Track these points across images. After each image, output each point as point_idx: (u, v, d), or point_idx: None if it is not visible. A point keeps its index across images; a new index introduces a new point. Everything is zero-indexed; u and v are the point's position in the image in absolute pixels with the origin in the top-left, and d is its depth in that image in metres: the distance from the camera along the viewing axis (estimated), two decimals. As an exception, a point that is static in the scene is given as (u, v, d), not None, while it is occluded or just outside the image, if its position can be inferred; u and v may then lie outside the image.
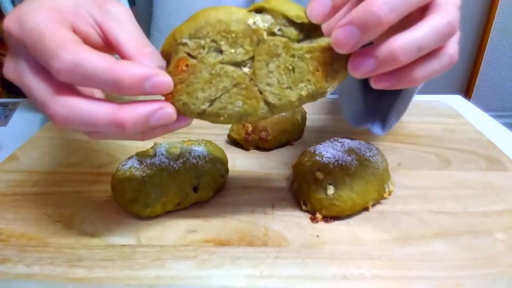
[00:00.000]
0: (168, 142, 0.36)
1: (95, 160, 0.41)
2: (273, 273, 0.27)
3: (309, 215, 0.33)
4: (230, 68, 0.24)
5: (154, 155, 0.34)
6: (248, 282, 0.26)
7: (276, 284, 0.26)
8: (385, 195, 0.34)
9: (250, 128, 0.43)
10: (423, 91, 0.62)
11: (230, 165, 0.38)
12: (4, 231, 0.31)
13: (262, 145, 0.44)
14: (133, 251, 0.29)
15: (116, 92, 0.22)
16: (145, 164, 0.33)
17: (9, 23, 0.23)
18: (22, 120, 0.53)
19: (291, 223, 0.32)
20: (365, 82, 0.44)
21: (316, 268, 0.28)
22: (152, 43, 0.25)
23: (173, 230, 0.31)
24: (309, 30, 0.24)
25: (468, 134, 0.48)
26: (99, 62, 0.21)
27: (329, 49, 0.24)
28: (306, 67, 0.24)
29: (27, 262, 0.28)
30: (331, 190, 0.32)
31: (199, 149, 0.35)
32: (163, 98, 0.24)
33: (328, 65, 0.24)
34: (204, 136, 0.42)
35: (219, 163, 0.35)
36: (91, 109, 0.22)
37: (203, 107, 0.24)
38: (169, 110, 0.23)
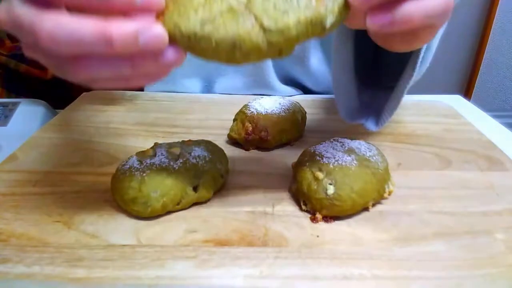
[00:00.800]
0: (168, 142, 0.36)
1: (95, 160, 0.41)
2: (273, 273, 0.27)
3: (309, 215, 0.33)
4: None
5: (154, 155, 0.34)
6: (248, 282, 0.26)
7: (276, 284, 0.26)
8: (385, 195, 0.34)
9: (250, 128, 0.43)
10: (423, 91, 0.62)
11: (230, 165, 0.38)
12: (4, 231, 0.31)
13: (262, 145, 0.44)
14: (133, 251, 0.29)
15: (109, 53, 0.22)
16: (145, 164, 0.33)
17: None
18: (22, 120, 0.53)
19: (291, 223, 0.32)
20: (360, 79, 0.44)
21: (316, 268, 0.28)
22: None
23: (173, 230, 0.31)
24: None
25: (468, 134, 0.48)
26: (81, 23, 0.21)
27: None
28: None
29: (27, 262, 0.28)
30: (331, 190, 0.32)
31: (199, 149, 0.35)
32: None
33: None
34: (204, 136, 0.42)
35: (219, 163, 0.35)
36: (79, 23, 0.21)
37: (195, 29, 0.23)
38: (160, 30, 0.22)
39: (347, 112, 0.44)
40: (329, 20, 0.23)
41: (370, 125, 0.43)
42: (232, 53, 0.23)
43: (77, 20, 0.21)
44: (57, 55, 0.23)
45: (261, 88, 0.63)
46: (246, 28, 0.23)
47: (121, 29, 0.21)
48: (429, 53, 0.40)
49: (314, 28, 0.23)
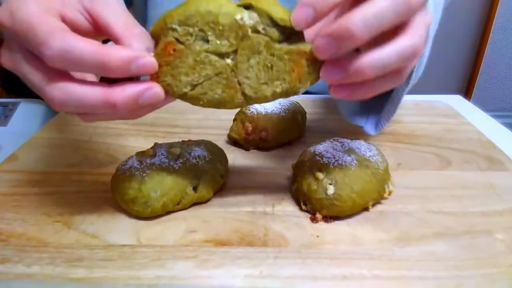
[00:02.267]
0: (168, 142, 0.36)
1: (95, 160, 0.41)
2: (273, 273, 0.27)
3: (309, 215, 0.33)
4: (214, 58, 0.26)
5: (154, 155, 0.34)
6: (248, 282, 0.26)
7: (276, 284, 0.26)
8: (385, 195, 0.34)
9: (250, 128, 0.43)
10: (423, 91, 0.62)
11: (230, 165, 0.38)
12: (4, 231, 0.31)
13: (262, 145, 0.44)
14: (133, 251, 0.29)
15: (105, 75, 0.24)
16: (145, 164, 0.33)
17: (1, 15, 0.24)
18: (22, 120, 0.53)
19: (291, 223, 0.32)
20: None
21: (316, 268, 0.28)
22: None
23: (173, 230, 0.31)
24: (290, 33, 0.26)
25: (468, 134, 0.48)
26: (86, 47, 0.23)
27: (305, 53, 0.26)
28: (283, 66, 0.26)
29: (27, 262, 0.28)
30: (331, 190, 0.32)
31: (199, 149, 0.35)
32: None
33: (303, 67, 0.26)
34: (204, 136, 0.42)
35: (219, 163, 0.35)
36: (85, 92, 0.24)
37: (185, 90, 0.26)
38: (157, 90, 0.25)
39: (348, 111, 0.44)
40: (302, 90, 0.27)
41: (369, 128, 0.43)
42: (216, 107, 0.28)
43: (83, 88, 0.24)
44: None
45: None
46: (230, 94, 0.27)
47: (123, 94, 0.24)
48: (423, 58, 0.40)
49: (288, 95, 0.27)
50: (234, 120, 0.45)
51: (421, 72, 0.40)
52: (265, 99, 0.27)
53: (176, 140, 0.38)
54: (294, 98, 0.53)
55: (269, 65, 0.26)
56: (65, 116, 0.52)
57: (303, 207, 0.33)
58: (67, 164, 0.41)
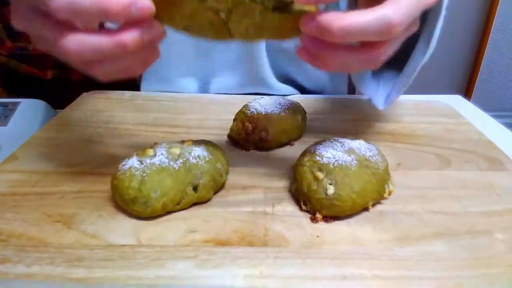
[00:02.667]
0: (168, 142, 0.36)
1: (95, 160, 0.41)
2: (273, 273, 0.27)
3: (309, 215, 0.33)
4: (210, 12, 0.28)
5: (154, 155, 0.34)
6: (248, 282, 0.26)
7: (276, 284, 0.26)
8: (385, 195, 0.34)
9: (250, 128, 0.43)
10: (423, 91, 0.62)
11: (230, 165, 0.38)
12: (4, 231, 0.31)
13: (262, 145, 0.44)
14: (133, 251, 0.29)
15: (107, 20, 0.26)
16: (145, 164, 0.33)
17: None
18: (22, 120, 0.53)
19: (291, 223, 0.32)
20: None
21: (316, 268, 0.28)
22: None
23: (173, 230, 0.31)
24: (285, 4, 0.28)
25: (468, 134, 0.48)
26: (106, 40, 0.26)
27: (294, 17, 0.28)
28: (273, 27, 0.29)
29: (27, 262, 0.28)
30: (331, 190, 0.32)
31: (199, 149, 0.35)
32: None
33: (289, 28, 0.29)
34: (204, 136, 0.42)
35: (219, 163, 0.35)
36: (96, 39, 0.26)
37: (178, 28, 0.30)
38: (158, 25, 0.27)
39: (356, 77, 0.45)
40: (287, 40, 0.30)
41: (377, 101, 0.44)
42: (205, 39, 0.31)
43: (94, 36, 0.26)
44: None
45: (257, 86, 0.62)
46: (219, 37, 0.30)
47: (131, 36, 0.26)
48: (435, 32, 0.39)
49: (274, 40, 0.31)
50: (234, 120, 0.45)
51: (432, 48, 0.40)
52: (251, 43, 0.32)
53: (176, 140, 0.38)
54: (294, 98, 0.53)
55: (259, 25, 0.29)
56: (65, 116, 0.52)
57: (303, 207, 0.33)
58: (67, 164, 0.41)
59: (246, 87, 0.63)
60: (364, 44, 0.28)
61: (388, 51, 0.28)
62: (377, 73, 0.46)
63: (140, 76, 0.65)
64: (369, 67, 0.29)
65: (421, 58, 0.39)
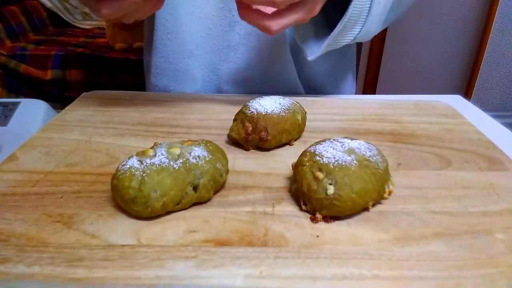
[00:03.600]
0: (168, 142, 0.36)
1: (95, 160, 0.41)
2: (273, 273, 0.27)
3: (309, 215, 0.33)
4: None
5: (154, 155, 0.34)
6: (248, 282, 0.26)
7: (276, 284, 0.26)
8: (385, 195, 0.34)
9: (250, 128, 0.43)
10: (423, 91, 0.62)
11: (230, 165, 0.38)
12: (4, 231, 0.31)
13: (262, 145, 0.44)
14: (133, 251, 0.29)
15: None
16: (145, 164, 0.33)
17: None
18: (22, 120, 0.53)
19: (291, 223, 0.32)
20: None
21: (316, 268, 0.28)
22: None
23: (173, 230, 0.31)
24: None
25: (468, 134, 0.48)
26: None
27: None
28: None
29: (27, 262, 0.28)
30: (331, 190, 0.32)
31: (199, 149, 0.35)
32: None
33: None
34: (204, 136, 0.42)
35: (219, 163, 0.35)
36: None
37: None
38: None
39: (298, 30, 0.52)
40: None
41: (308, 50, 0.52)
42: None
43: None
44: None
45: (268, 66, 0.63)
46: None
47: None
48: (370, 16, 0.47)
49: None
50: (234, 120, 0.45)
51: (370, 30, 0.49)
52: None
53: (176, 140, 0.38)
54: (294, 98, 0.53)
55: None
56: (65, 116, 0.52)
57: (303, 207, 0.33)
58: (67, 164, 0.41)
59: (256, 70, 0.63)
60: None
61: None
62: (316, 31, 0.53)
63: (150, 64, 0.66)
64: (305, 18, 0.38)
65: (351, 34, 0.48)
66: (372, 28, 0.49)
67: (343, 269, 0.27)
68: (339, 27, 0.47)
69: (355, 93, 0.77)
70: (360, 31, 0.48)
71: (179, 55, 0.63)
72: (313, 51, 0.51)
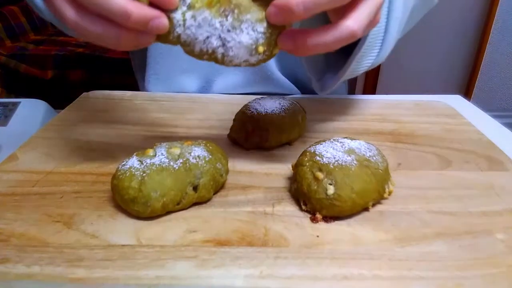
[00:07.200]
0: (168, 142, 0.36)
1: (95, 160, 0.41)
2: (273, 273, 0.27)
3: (309, 215, 0.33)
4: None
5: (154, 155, 0.34)
6: (248, 282, 0.26)
7: (276, 284, 0.26)
8: (385, 195, 0.34)
9: (250, 128, 0.43)
10: (423, 91, 0.62)
11: (230, 165, 0.38)
12: (4, 231, 0.31)
13: (262, 145, 0.44)
14: (133, 251, 0.29)
15: (122, 23, 0.27)
16: (145, 164, 0.33)
17: None
18: (22, 120, 0.53)
19: (291, 223, 0.32)
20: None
21: (316, 268, 0.28)
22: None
23: (173, 230, 0.31)
24: None
25: (468, 134, 0.48)
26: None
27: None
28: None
29: (27, 262, 0.28)
30: (331, 190, 0.32)
31: (199, 149, 0.35)
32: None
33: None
34: (204, 136, 0.42)
35: (219, 163, 0.35)
36: None
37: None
38: (165, 21, 0.28)
39: (309, 63, 0.49)
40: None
41: (317, 86, 0.48)
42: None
43: None
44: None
45: (262, 84, 0.62)
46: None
47: (140, 10, 0.27)
48: (388, 36, 0.42)
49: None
50: (234, 120, 0.45)
51: (386, 53, 0.43)
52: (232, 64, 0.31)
53: (176, 140, 0.38)
54: (294, 98, 0.53)
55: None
56: (65, 116, 0.52)
57: (303, 207, 0.33)
58: (67, 164, 0.41)
59: (251, 85, 0.63)
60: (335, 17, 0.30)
61: (357, 18, 0.29)
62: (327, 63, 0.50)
63: (142, 78, 0.65)
64: (348, 38, 0.29)
65: (370, 58, 0.42)
66: (390, 48, 0.43)
67: (343, 269, 0.27)
68: (357, 53, 0.41)
69: (356, 93, 0.77)
70: (378, 54, 0.42)
71: (172, 73, 0.62)
72: (327, 85, 0.47)
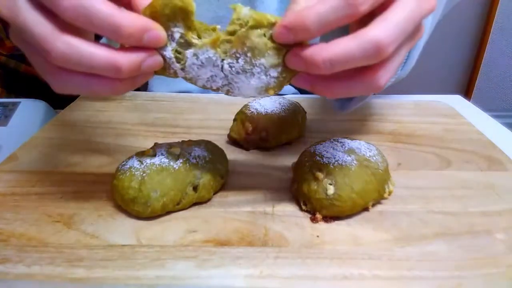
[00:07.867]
0: (168, 142, 0.36)
1: (95, 160, 0.41)
2: (273, 273, 0.27)
3: (309, 215, 0.33)
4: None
5: (154, 155, 0.34)
6: (248, 282, 0.26)
7: (276, 284, 0.26)
8: (385, 195, 0.34)
9: (250, 128, 0.43)
10: (423, 91, 0.62)
11: (230, 165, 0.38)
12: (4, 231, 0.31)
13: (262, 145, 0.44)
14: (133, 251, 0.29)
15: (115, 39, 0.24)
16: (145, 164, 0.33)
17: None
18: (22, 120, 0.53)
19: (291, 223, 0.32)
20: None
21: (316, 268, 0.28)
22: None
23: (173, 230, 0.31)
24: None
25: (468, 134, 0.48)
26: (103, 7, 0.22)
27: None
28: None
29: (27, 262, 0.28)
30: (331, 190, 0.32)
31: (199, 149, 0.35)
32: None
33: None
34: (204, 136, 0.42)
35: (219, 163, 0.35)
36: (91, 49, 0.23)
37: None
38: (159, 57, 0.26)
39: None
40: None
41: (337, 104, 0.43)
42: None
43: (89, 45, 0.23)
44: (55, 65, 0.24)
45: None
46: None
47: (130, 61, 0.24)
48: (414, 51, 0.38)
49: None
50: (234, 120, 0.45)
51: (410, 67, 0.39)
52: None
53: (176, 140, 0.38)
54: (294, 98, 0.53)
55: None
56: (65, 116, 0.52)
57: (303, 207, 0.33)
58: (67, 164, 0.41)
59: None
60: (359, 68, 0.25)
61: (387, 72, 0.25)
62: None
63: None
64: (372, 91, 0.26)
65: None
66: (413, 63, 0.39)
67: (343, 269, 0.27)
68: None
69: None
70: (402, 68, 0.38)
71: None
72: (346, 105, 0.43)
